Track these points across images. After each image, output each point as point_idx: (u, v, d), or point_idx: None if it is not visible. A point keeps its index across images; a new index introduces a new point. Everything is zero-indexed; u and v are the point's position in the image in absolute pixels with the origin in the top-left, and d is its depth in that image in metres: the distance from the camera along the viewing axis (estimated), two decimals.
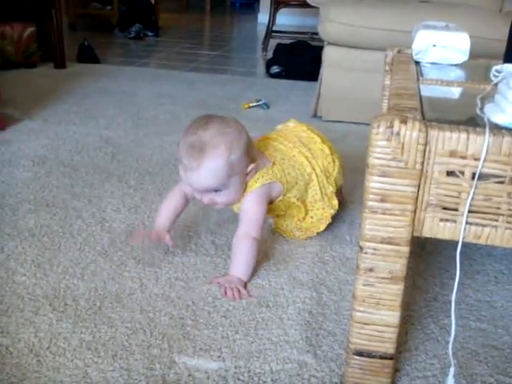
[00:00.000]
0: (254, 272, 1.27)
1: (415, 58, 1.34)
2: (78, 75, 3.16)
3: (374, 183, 0.80)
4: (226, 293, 1.19)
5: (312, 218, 1.45)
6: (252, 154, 1.30)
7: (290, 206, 1.42)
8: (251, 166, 1.29)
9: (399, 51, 1.47)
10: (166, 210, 1.37)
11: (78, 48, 3.64)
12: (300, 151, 1.45)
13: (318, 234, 1.45)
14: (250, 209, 1.30)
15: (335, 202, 1.46)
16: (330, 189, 1.46)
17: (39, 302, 1.14)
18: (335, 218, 1.57)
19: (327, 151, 1.49)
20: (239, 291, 1.20)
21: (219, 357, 1.02)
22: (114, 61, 3.77)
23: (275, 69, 3.38)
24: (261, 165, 1.33)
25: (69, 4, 4.85)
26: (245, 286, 1.23)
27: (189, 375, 0.97)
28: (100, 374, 0.96)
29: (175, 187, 1.39)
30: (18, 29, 3.16)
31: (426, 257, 1.38)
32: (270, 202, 1.36)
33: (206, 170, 1.21)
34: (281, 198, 1.37)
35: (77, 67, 3.40)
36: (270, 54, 3.75)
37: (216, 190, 1.26)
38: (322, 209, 1.45)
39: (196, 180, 1.24)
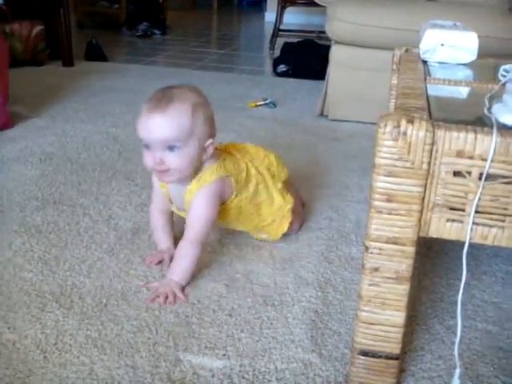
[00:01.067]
0: (260, 272, 1.27)
1: (423, 57, 1.34)
2: (85, 73, 3.17)
3: (380, 183, 0.80)
4: (153, 299, 1.16)
5: (273, 221, 1.38)
6: (213, 130, 1.23)
7: (241, 212, 1.33)
8: (210, 141, 1.21)
9: (407, 50, 1.47)
10: (160, 228, 1.35)
11: (85, 46, 3.66)
12: (243, 156, 1.36)
13: (283, 235, 1.40)
14: (200, 212, 1.23)
15: (289, 197, 1.40)
16: (279, 185, 1.39)
17: (46, 299, 1.15)
18: (341, 217, 1.57)
19: (261, 150, 1.41)
20: (175, 295, 1.17)
21: (224, 355, 1.02)
22: (121, 59, 3.78)
23: (282, 67, 3.38)
24: (213, 158, 1.25)
25: (77, 2, 4.87)
26: (183, 289, 1.20)
27: (194, 373, 0.97)
28: (106, 370, 0.96)
29: (151, 209, 1.37)
30: (26, 27, 3.17)
31: (432, 257, 1.38)
32: (222, 203, 1.28)
33: (170, 117, 1.14)
34: (233, 197, 1.28)
35: (84, 65, 3.41)
36: (276, 53, 3.74)
37: (171, 147, 1.16)
38: (279, 208, 1.38)
39: (157, 126, 1.14)
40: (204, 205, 1.23)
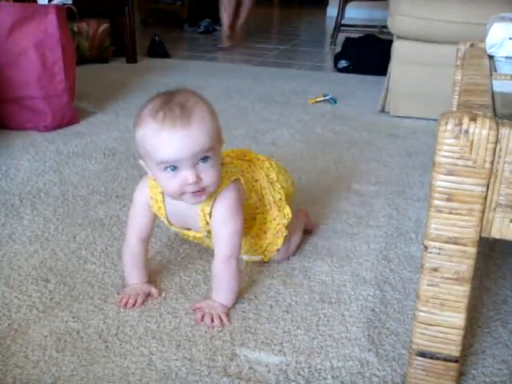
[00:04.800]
0: (318, 269, 1.26)
1: (489, 52, 1.30)
2: (148, 70, 3.23)
3: (441, 182, 0.78)
4: (202, 318, 1.09)
5: (265, 233, 1.25)
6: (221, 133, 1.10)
7: (250, 218, 1.23)
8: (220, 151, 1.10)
9: (472, 45, 1.43)
10: (135, 261, 1.18)
11: (148, 43, 3.73)
12: (239, 158, 1.27)
13: (277, 251, 1.26)
14: (225, 225, 1.10)
15: (287, 211, 1.26)
16: (278, 196, 1.26)
17: (108, 290, 1.18)
18: (400, 215, 1.54)
19: (262, 157, 1.29)
20: (221, 319, 1.09)
21: (280, 351, 1.02)
22: (183, 55, 3.84)
23: (343, 63, 3.35)
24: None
25: (141, 1, 4.97)
26: (227, 311, 1.12)
27: (250, 368, 0.98)
28: (164, 362, 0.98)
29: (127, 235, 1.19)
30: (93, 25, 3.26)
31: (495, 258, 1.34)
32: None
33: (198, 125, 1.00)
34: (244, 202, 1.17)
35: (147, 62, 3.48)
36: (338, 48, 3.71)
37: (204, 158, 1.02)
38: (273, 220, 1.25)
39: (187, 141, 0.99)
40: (228, 215, 1.10)
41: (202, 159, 1.02)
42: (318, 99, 2.66)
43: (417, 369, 0.90)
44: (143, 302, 1.14)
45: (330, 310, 1.14)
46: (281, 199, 1.27)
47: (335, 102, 2.66)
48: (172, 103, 1.02)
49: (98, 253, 1.32)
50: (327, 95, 2.68)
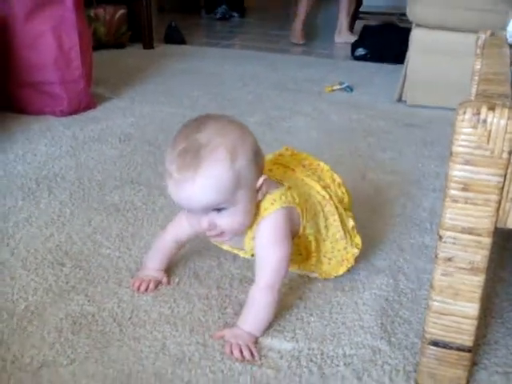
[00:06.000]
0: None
1: (509, 40, 1.28)
2: (164, 56, 3.23)
3: (457, 171, 0.77)
4: (232, 352, 0.97)
5: (330, 260, 1.16)
6: (261, 162, 1.02)
7: (305, 248, 1.13)
8: (262, 179, 0.99)
9: (492, 34, 1.41)
10: (162, 251, 1.17)
11: (165, 29, 3.73)
12: (309, 176, 1.15)
13: (335, 277, 1.19)
14: (268, 253, 1.01)
15: (358, 240, 1.16)
16: (351, 223, 1.16)
17: (122, 275, 1.19)
18: (415, 205, 1.54)
19: (338, 179, 1.19)
20: (250, 351, 0.98)
21: (293, 338, 1.03)
22: (199, 42, 3.83)
23: (360, 51, 3.32)
24: (272, 187, 1.03)
25: None
26: (256, 341, 1.01)
27: (262, 354, 0.99)
28: (177, 346, 0.99)
29: (166, 231, 1.17)
30: (110, 11, 3.27)
31: (510, 249, 1.33)
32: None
33: (204, 180, 0.91)
34: (300, 232, 1.08)
35: (164, 48, 3.48)
36: (355, 36, 3.68)
37: (218, 209, 0.96)
38: (343, 249, 1.15)
39: (190, 196, 0.93)
40: (272, 243, 1.01)
41: (216, 210, 0.96)
42: (335, 87, 2.65)
43: (429, 358, 0.90)
44: (155, 287, 1.14)
45: (344, 298, 1.15)
46: (353, 226, 1.16)
47: (352, 90, 2.64)
48: (190, 142, 0.93)
49: (112, 238, 1.33)
50: (344, 83, 2.66)
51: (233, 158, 0.93)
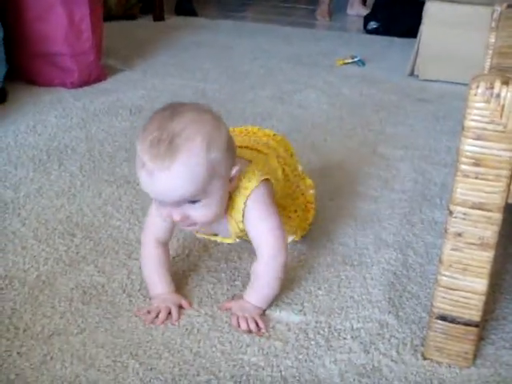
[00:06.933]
0: (341, 231, 1.26)
1: None
2: (175, 28, 3.20)
3: (469, 146, 0.77)
4: (239, 324, 0.98)
5: (296, 212, 1.17)
6: (234, 152, 0.98)
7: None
8: (236, 169, 0.96)
9: (508, 6, 1.39)
10: (157, 266, 1.05)
11: (176, 1, 3.69)
12: (246, 147, 1.11)
13: (310, 226, 1.24)
14: (263, 228, 1.00)
15: (309, 181, 1.20)
16: (299, 167, 1.19)
17: (132, 247, 1.20)
18: (426, 180, 1.53)
19: (269, 132, 1.20)
20: (256, 323, 0.98)
21: (301, 311, 1.04)
22: (211, 14, 3.79)
23: (372, 25, 3.28)
24: (243, 166, 1.00)
25: None
26: (262, 313, 1.01)
27: (271, 327, 0.99)
28: (186, 318, 1.00)
29: (145, 239, 1.06)
30: None
31: None
32: None
33: (178, 172, 0.87)
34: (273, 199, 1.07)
35: (175, 20, 3.45)
36: (368, 9, 3.63)
37: (192, 201, 0.91)
38: (301, 195, 1.19)
39: (165, 187, 0.88)
40: (263, 218, 1.00)
41: (189, 202, 0.91)
42: (346, 61, 2.62)
43: (437, 332, 0.91)
44: (179, 317, 1.00)
45: (352, 272, 1.15)
46: (302, 170, 1.20)
47: (363, 64, 2.61)
48: (164, 132, 0.87)
49: (123, 209, 1.34)
50: (355, 57, 2.63)
51: (208, 147, 0.89)
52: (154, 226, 1.04)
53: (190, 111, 0.92)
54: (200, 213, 0.93)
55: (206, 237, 1.12)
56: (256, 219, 1.00)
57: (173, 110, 0.91)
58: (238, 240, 1.08)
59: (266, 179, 1.02)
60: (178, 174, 0.87)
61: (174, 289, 1.05)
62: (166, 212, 0.93)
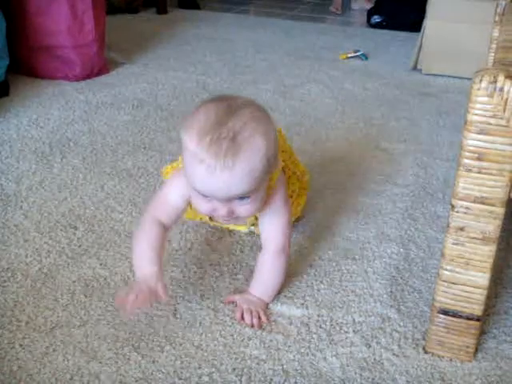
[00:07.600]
0: (343, 225, 1.26)
1: None
2: (178, 21, 3.20)
3: (471, 140, 0.77)
4: (242, 317, 0.98)
5: (292, 197, 1.18)
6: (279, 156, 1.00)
7: None
8: (280, 163, 1.01)
9: None
10: (149, 243, 0.99)
11: None
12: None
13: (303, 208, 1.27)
14: (280, 212, 1.02)
15: (301, 167, 1.22)
16: (293, 155, 1.22)
17: None
18: (428, 175, 1.53)
19: None
20: (259, 317, 0.99)
21: (302, 304, 1.04)
22: (213, 7, 3.78)
23: (376, 18, 3.27)
24: None
25: None
26: (266, 308, 1.02)
27: (272, 320, 1.00)
28: (189, 311, 1.01)
29: (147, 216, 1.03)
30: None
31: None
32: None
33: (241, 170, 0.86)
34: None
35: (178, 13, 3.44)
36: (372, 3, 3.62)
37: (242, 197, 0.92)
38: (297, 181, 1.21)
39: (225, 185, 0.87)
40: (280, 205, 1.03)
41: (240, 198, 0.91)
42: (349, 55, 2.61)
43: (438, 326, 0.91)
44: (150, 302, 0.93)
45: (354, 266, 1.15)
46: (296, 158, 1.22)
47: (366, 58, 2.61)
48: (224, 128, 0.86)
49: (125, 203, 1.34)
50: (358, 51, 2.63)
51: (267, 145, 0.89)
52: (164, 206, 1.02)
53: (246, 107, 0.91)
54: (246, 208, 0.93)
55: (219, 225, 1.13)
56: (274, 210, 1.02)
57: (228, 104, 0.90)
58: (252, 228, 1.09)
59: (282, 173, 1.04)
60: (240, 173, 0.86)
61: (161, 267, 0.97)
62: (210, 206, 0.93)
